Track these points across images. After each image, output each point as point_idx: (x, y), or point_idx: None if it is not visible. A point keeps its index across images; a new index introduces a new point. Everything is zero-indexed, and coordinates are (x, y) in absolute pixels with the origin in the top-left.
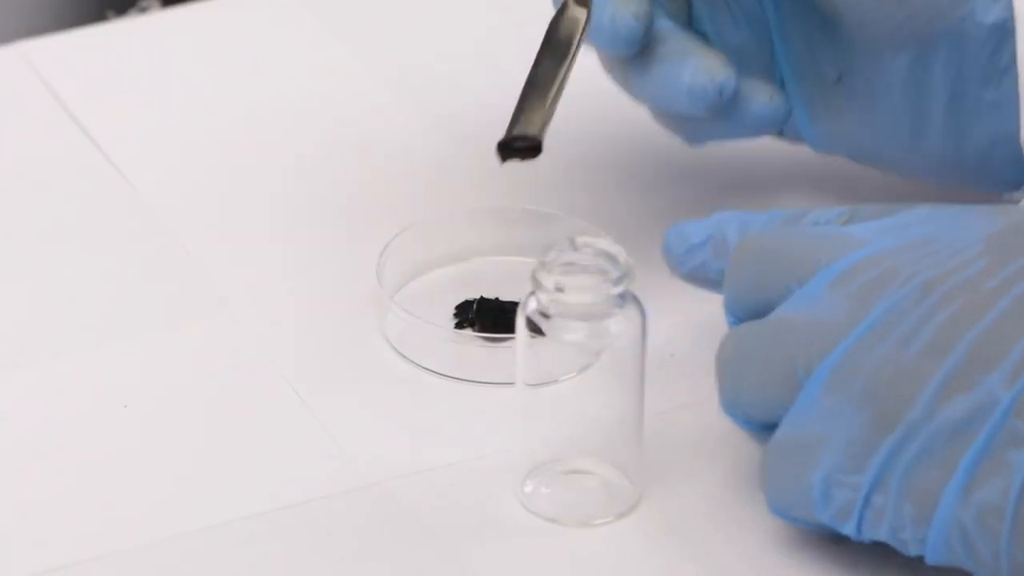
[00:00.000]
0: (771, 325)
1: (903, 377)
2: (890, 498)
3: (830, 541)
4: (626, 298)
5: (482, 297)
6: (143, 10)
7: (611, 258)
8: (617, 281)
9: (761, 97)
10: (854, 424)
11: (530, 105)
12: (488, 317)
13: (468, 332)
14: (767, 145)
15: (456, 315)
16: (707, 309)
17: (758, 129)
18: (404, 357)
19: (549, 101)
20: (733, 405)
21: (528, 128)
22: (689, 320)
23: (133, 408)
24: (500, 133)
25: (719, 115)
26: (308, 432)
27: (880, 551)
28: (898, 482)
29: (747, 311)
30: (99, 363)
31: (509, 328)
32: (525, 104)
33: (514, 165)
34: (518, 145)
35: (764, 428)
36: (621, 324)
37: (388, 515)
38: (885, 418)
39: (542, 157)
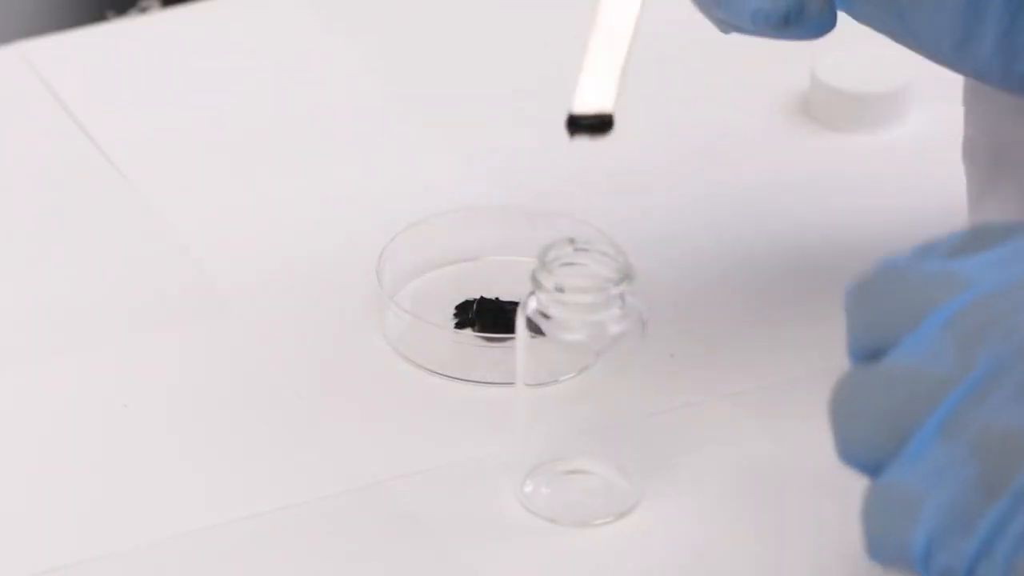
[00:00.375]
0: (881, 371)
1: (1012, 438)
2: (996, 569)
3: (831, 541)
4: (626, 298)
5: (482, 297)
6: (143, 10)
7: (611, 258)
8: (617, 281)
9: (813, 9)
10: (961, 482)
11: (598, 72)
12: (488, 317)
13: (468, 332)
14: (771, 141)
15: (456, 315)
16: (707, 309)
17: (803, 37)
18: (404, 357)
19: (620, 65)
20: (844, 451)
21: (599, 103)
22: (689, 320)
23: (133, 408)
24: (501, 132)
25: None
26: (308, 432)
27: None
28: (1005, 555)
29: (863, 352)
30: (99, 363)
31: (509, 328)
32: (593, 70)
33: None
34: (589, 122)
35: (877, 474)
36: (621, 324)
37: (388, 515)
38: (993, 480)
39: (542, 157)
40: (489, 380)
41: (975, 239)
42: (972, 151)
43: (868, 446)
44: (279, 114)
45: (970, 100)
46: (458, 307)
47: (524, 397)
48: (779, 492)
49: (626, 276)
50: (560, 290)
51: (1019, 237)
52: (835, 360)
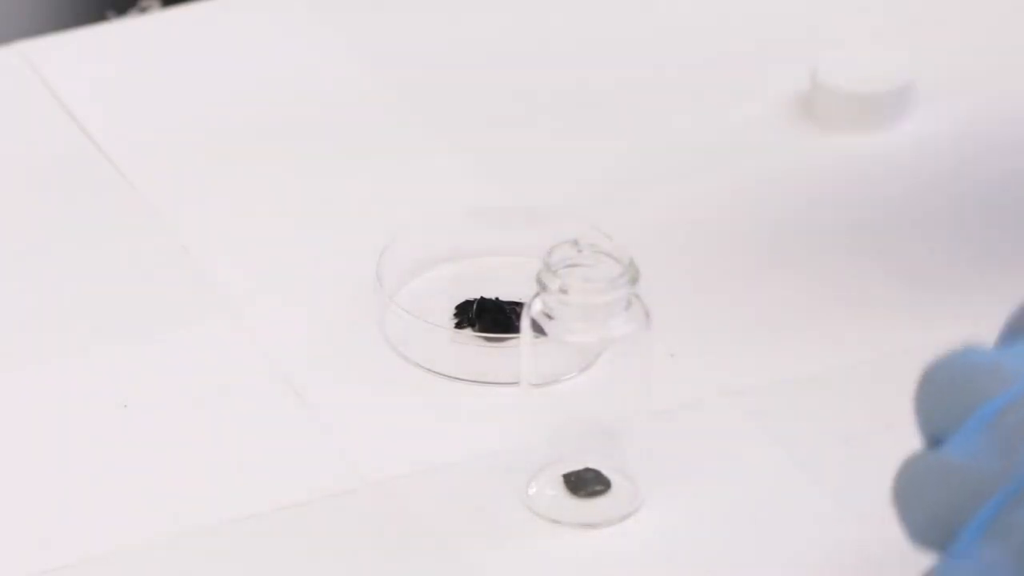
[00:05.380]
0: (935, 464)
1: None
2: None
3: (831, 540)
4: (630, 299)
5: (482, 297)
6: (143, 10)
7: (615, 259)
8: (621, 282)
9: None
10: None
11: None
12: (488, 317)
13: (468, 332)
14: (771, 141)
15: (456, 315)
16: (708, 309)
17: None
18: (404, 357)
19: None
20: (910, 535)
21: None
22: (690, 320)
23: (133, 408)
24: (502, 132)
25: None
26: (308, 432)
27: (889, 561)
28: None
29: (928, 437)
30: (99, 363)
31: (509, 328)
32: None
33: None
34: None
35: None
36: (625, 325)
37: (388, 515)
38: None
39: (544, 157)
40: (489, 380)
41: None
42: None
43: (925, 538)
44: (279, 114)
45: None
46: (458, 307)
47: (528, 398)
48: (779, 492)
49: (631, 277)
50: (564, 292)
51: None
52: (835, 360)
